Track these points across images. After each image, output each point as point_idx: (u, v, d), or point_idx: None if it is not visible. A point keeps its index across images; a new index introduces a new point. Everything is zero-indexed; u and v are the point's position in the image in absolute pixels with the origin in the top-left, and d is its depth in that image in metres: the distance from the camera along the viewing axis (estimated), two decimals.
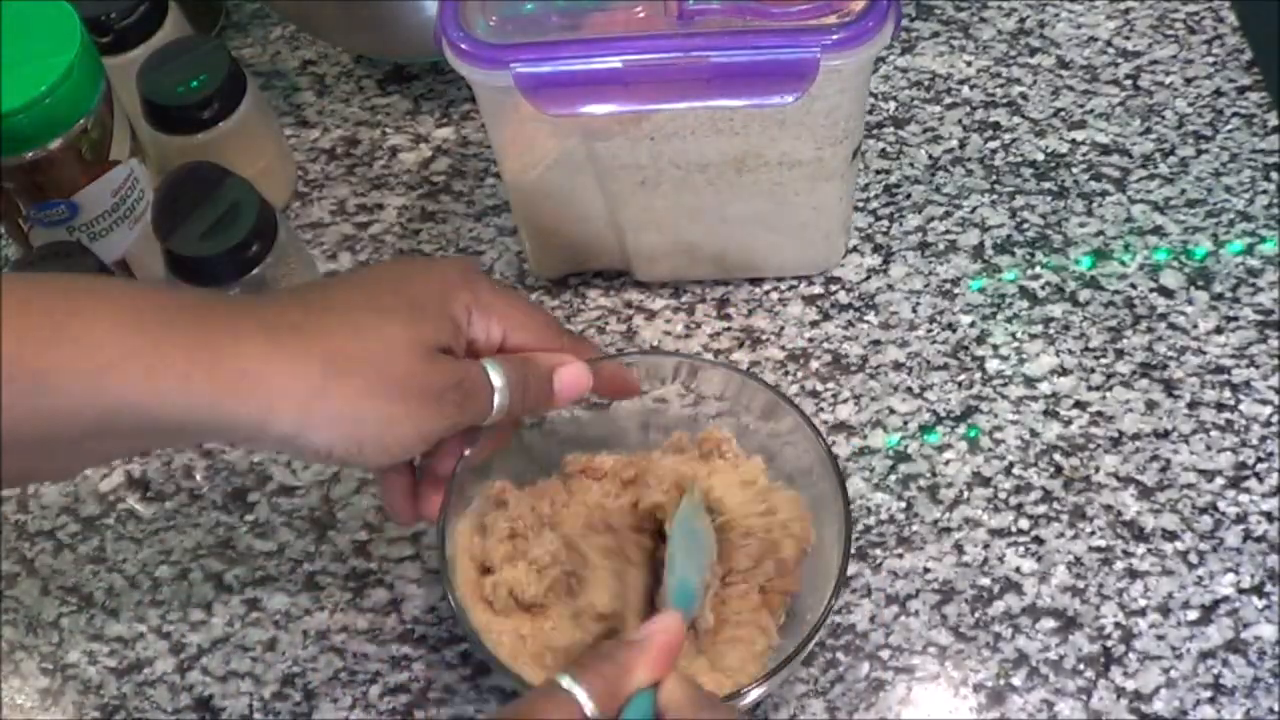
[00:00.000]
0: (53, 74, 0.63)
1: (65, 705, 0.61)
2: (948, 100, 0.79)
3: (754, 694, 0.52)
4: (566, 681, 0.44)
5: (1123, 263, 0.71)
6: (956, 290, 0.71)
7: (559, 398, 0.56)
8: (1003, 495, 0.63)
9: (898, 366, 0.68)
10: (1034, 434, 0.65)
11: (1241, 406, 0.65)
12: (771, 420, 0.61)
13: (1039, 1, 0.83)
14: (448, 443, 0.54)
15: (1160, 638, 0.59)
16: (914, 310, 0.70)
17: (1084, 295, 0.70)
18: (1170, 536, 0.62)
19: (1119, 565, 0.61)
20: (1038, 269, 0.71)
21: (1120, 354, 0.68)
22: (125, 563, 0.66)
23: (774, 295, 0.72)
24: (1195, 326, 0.68)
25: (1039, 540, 0.62)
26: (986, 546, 0.62)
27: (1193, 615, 0.59)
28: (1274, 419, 0.65)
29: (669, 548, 0.55)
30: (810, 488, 0.60)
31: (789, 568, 0.57)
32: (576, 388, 0.56)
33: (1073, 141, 0.76)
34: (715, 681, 0.54)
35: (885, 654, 0.59)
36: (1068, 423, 0.65)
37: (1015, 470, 0.64)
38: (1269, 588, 0.60)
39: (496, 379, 0.52)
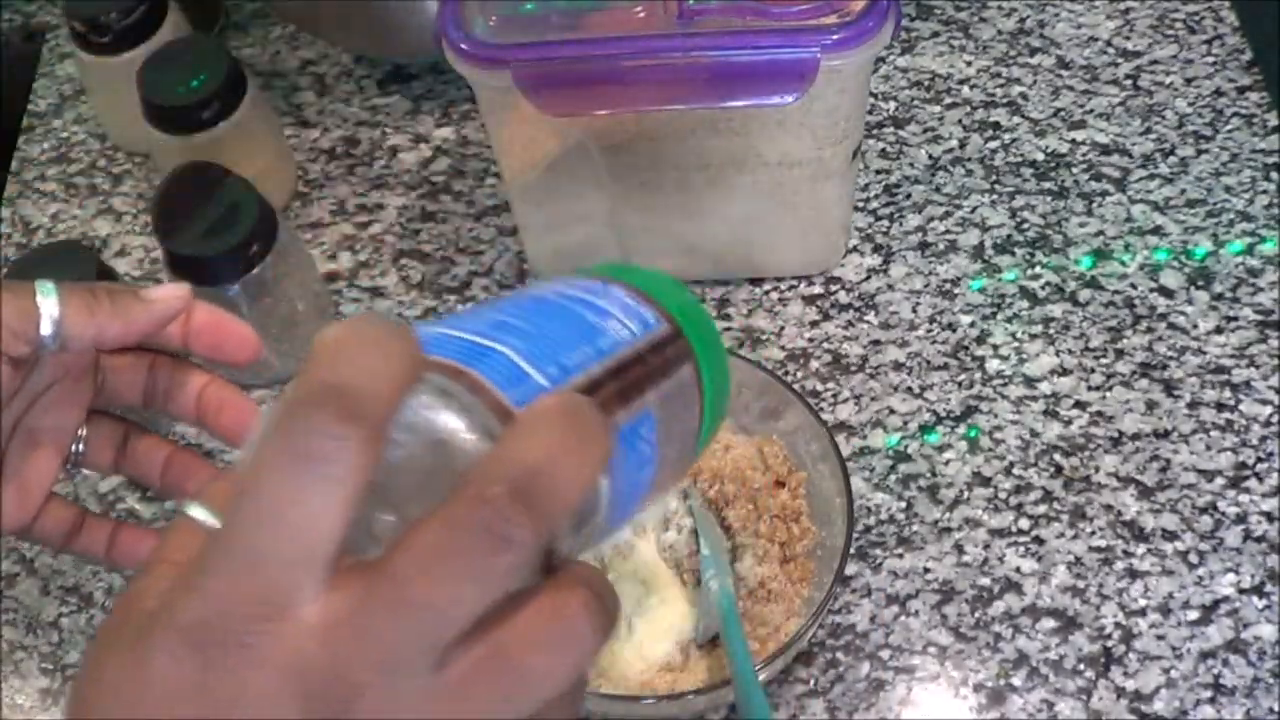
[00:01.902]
0: None
1: (65, 705, 0.61)
2: (948, 100, 0.79)
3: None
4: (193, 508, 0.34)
5: (1123, 263, 0.71)
6: (956, 290, 0.71)
7: (149, 310, 0.48)
8: (1003, 495, 0.63)
9: (898, 366, 0.68)
10: (1034, 434, 0.65)
11: (1241, 406, 0.65)
12: (776, 416, 0.61)
13: (1039, 1, 0.83)
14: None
15: (1160, 638, 0.59)
16: (914, 310, 0.70)
17: (1084, 295, 0.70)
18: (1170, 536, 0.62)
19: (1119, 565, 0.61)
20: (1038, 269, 0.71)
21: (1120, 354, 0.68)
22: None
23: (774, 295, 0.72)
24: (1195, 326, 0.68)
25: (1039, 540, 0.62)
26: (986, 546, 0.62)
27: (1193, 615, 0.59)
28: (1274, 419, 0.65)
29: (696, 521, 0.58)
30: (813, 484, 0.60)
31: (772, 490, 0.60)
32: (171, 297, 0.48)
33: (1073, 141, 0.76)
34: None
35: (885, 654, 0.59)
36: (1068, 423, 0.65)
37: (1015, 470, 0.64)
38: (1269, 588, 0.60)
39: (43, 292, 0.46)
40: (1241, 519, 0.62)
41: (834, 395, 0.67)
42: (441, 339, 0.32)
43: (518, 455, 0.28)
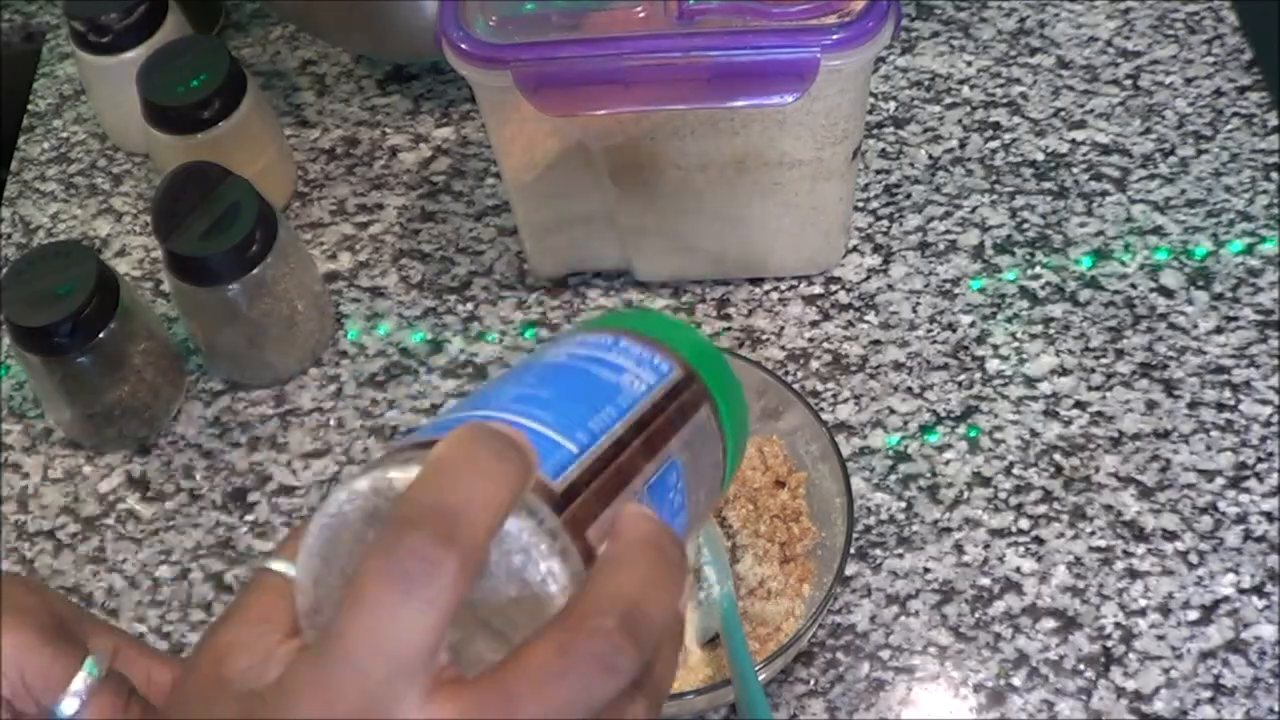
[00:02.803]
0: None
1: None
2: (948, 100, 0.79)
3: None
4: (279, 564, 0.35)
5: (1123, 263, 0.71)
6: (956, 290, 0.71)
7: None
8: (1003, 495, 0.63)
9: (898, 366, 0.68)
10: (1034, 434, 0.65)
11: (1241, 406, 0.65)
12: (776, 416, 0.61)
13: (1039, 1, 0.83)
14: None
15: (1160, 638, 0.59)
16: (914, 310, 0.70)
17: (1084, 295, 0.70)
18: (1170, 536, 0.62)
19: (1119, 565, 0.61)
20: (1038, 269, 0.71)
21: (1120, 354, 0.68)
22: (125, 563, 0.66)
23: (774, 295, 0.72)
24: (1195, 326, 0.68)
25: (1039, 540, 0.62)
26: (986, 546, 0.62)
27: (1193, 615, 0.59)
28: (1274, 419, 0.65)
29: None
30: (813, 484, 0.60)
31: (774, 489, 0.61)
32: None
33: (1073, 141, 0.76)
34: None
35: (885, 654, 0.59)
36: (1068, 423, 0.65)
37: (1015, 470, 0.64)
38: (1269, 588, 0.60)
39: (88, 669, 0.43)
40: (1241, 519, 0.62)
41: (834, 395, 0.67)
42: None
43: (622, 588, 0.31)
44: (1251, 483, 0.63)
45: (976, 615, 0.60)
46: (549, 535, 0.30)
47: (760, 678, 0.54)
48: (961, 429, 0.66)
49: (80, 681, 0.43)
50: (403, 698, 0.28)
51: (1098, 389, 0.67)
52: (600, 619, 0.30)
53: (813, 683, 0.59)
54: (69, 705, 0.42)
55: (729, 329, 0.70)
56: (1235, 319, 0.68)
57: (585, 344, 0.38)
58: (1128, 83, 0.79)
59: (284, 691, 0.29)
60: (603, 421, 0.34)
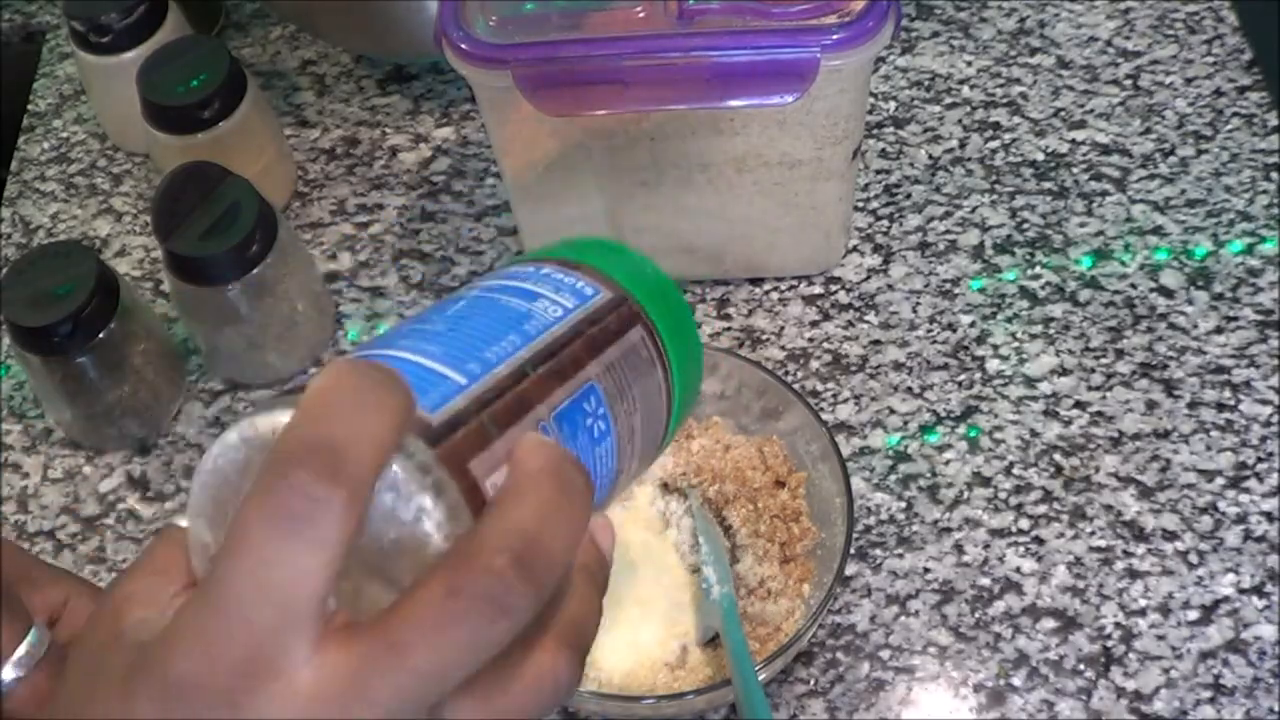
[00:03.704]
0: None
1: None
2: (948, 100, 0.79)
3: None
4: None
5: (1123, 263, 0.71)
6: (956, 290, 0.71)
7: None
8: (1003, 495, 0.63)
9: (898, 366, 0.68)
10: (1034, 434, 0.65)
11: (1241, 406, 0.65)
12: (776, 416, 0.61)
13: (1039, 1, 0.83)
14: None
15: (1160, 638, 0.59)
16: (914, 310, 0.70)
17: (1084, 295, 0.70)
18: (1170, 536, 0.62)
19: (1119, 565, 0.61)
20: (1038, 269, 0.71)
21: (1120, 354, 0.68)
22: (125, 563, 0.66)
23: (774, 295, 0.72)
24: (1195, 326, 0.68)
25: (1039, 540, 0.62)
26: (986, 546, 0.62)
27: (1193, 615, 0.59)
28: (1274, 419, 0.65)
29: (697, 527, 0.59)
30: (813, 484, 0.60)
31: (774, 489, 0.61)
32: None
33: (1073, 141, 0.76)
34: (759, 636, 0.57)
35: (885, 654, 0.59)
36: (1068, 423, 0.65)
37: (1015, 470, 0.64)
38: (1269, 588, 0.60)
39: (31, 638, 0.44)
40: (1241, 519, 0.62)
41: (834, 395, 0.67)
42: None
43: (513, 523, 0.29)
44: (1251, 483, 0.63)
45: (976, 615, 0.60)
46: (420, 470, 0.28)
47: (760, 678, 0.54)
48: (961, 429, 0.66)
49: (24, 649, 0.43)
50: (290, 648, 0.27)
51: (1098, 389, 0.67)
52: (490, 557, 0.28)
53: (813, 683, 0.59)
54: (8, 673, 0.43)
55: (729, 329, 0.70)
56: (1235, 319, 0.68)
57: (505, 275, 0.37)
58: (1128, 83, 0.79)
59: (168, 642, 0.27)
60: (502, 350, 0.33)
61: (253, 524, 0.26)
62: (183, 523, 0.31)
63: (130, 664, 0.28)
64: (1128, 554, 0.61)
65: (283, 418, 0.29)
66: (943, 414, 0.66)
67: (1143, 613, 0.59)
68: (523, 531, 0.28)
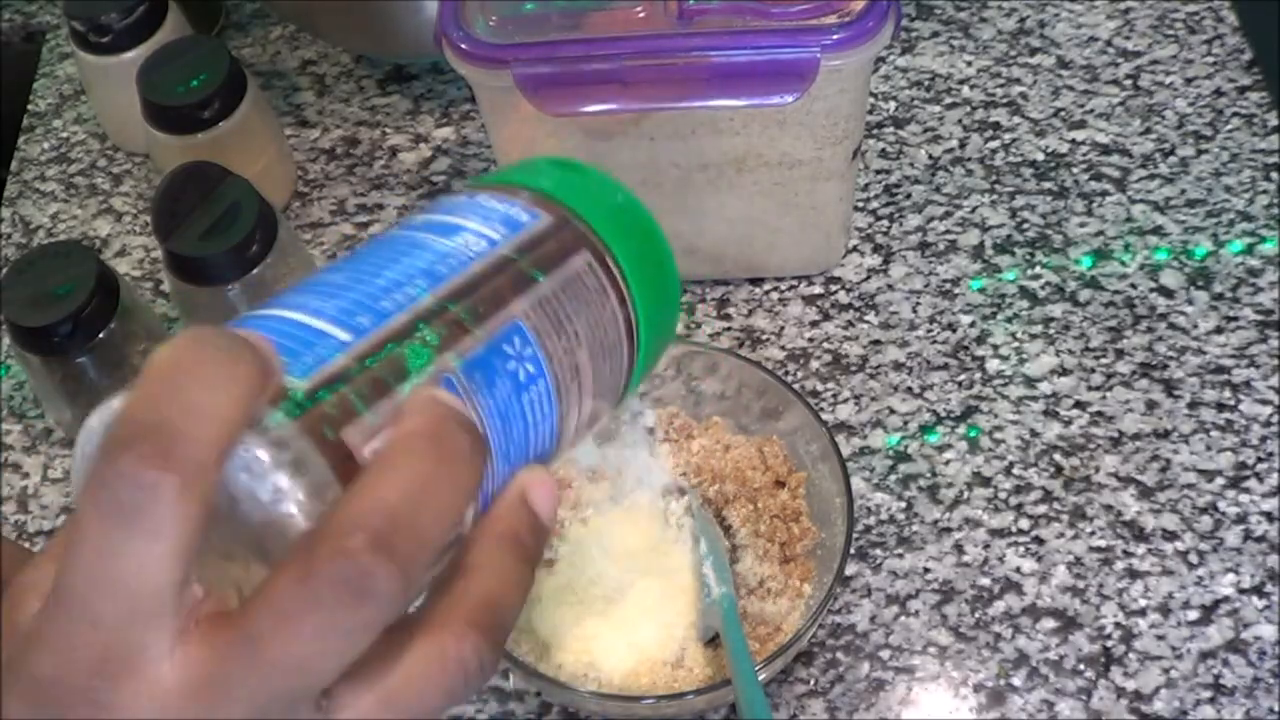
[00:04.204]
0: None
1: None
2: (948, 100, 0.79)
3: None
4: None
5: (1123, 263, 0.71)
6: (956, 290, 0.71)
7: None
8: (1003, 495, 0.63)
9: (898, 366, 0.68)
10: (1034, 434, 0.65)
11: (1241, 406, 0.65)
12: (776, 416, 0.61)
13: (1039, 1, 0.83)
14: None
15: (1160, 638, 0.59)
16: (914, 310, 0.70)
17: (1084, 295, 0.70)
18: (1170, 536, 0.62)
19: (1119, 565, 0.61)
20: (1038, 269, 0.71)
21: (1120, 354, 0.68)
22: None
23: (774, 295, 0.72)
24: (1195, 326, 0.68)
25: (1039, 540, 0.62)
26: (986, 546, 0.62)
27: (1193, 615, 0.59)
28: (1274, 419, 0.65)
29: (698, 528, 0.59)
30: (813, 484, 0.60)
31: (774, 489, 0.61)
32: None
33: (1073, 141, 0.76)
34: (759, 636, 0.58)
35: (885, 654, 0.59)
36: (1068, 423, 0.65)
37: (1015, 470, 0.64)
38: (1269, 588, 0.60)
39: None
40: (1241, 519, 0.62)
41: (834, 395, 0.67)
42: (240, 324, 0.29)
43: (376, 498, 0.26)
44: (1251, 483, 0.63)
45: (976, 615, 0.60)
46: (274, 445, 0.26)
47: (760, 678, 0.54)
48: (961, 429, 0.66)
49: None
50: (146, 643, 0.25)
51: (1098, 389, 0.67)
52: (345, 538, 0.25)
53: (813, 683, 0.59)
54: None
55: (729, 329, 0.70)
56: (1235, 319, 0.68)
57: (433, 209, 0.33)
58: (1128, 83, 0.79)
59: (30, 640, 0.26)
60: (403, 298, 0.29)
61: (87, 516, 0.25)
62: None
63: (10, 657, 0.27)
64: (1128, 554, 0.61)
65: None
66: (943, 414, 0.66)
67: (1143, 613, 0.59)
68: (385, 506, 0.26)
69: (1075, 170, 0.75)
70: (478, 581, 0.29)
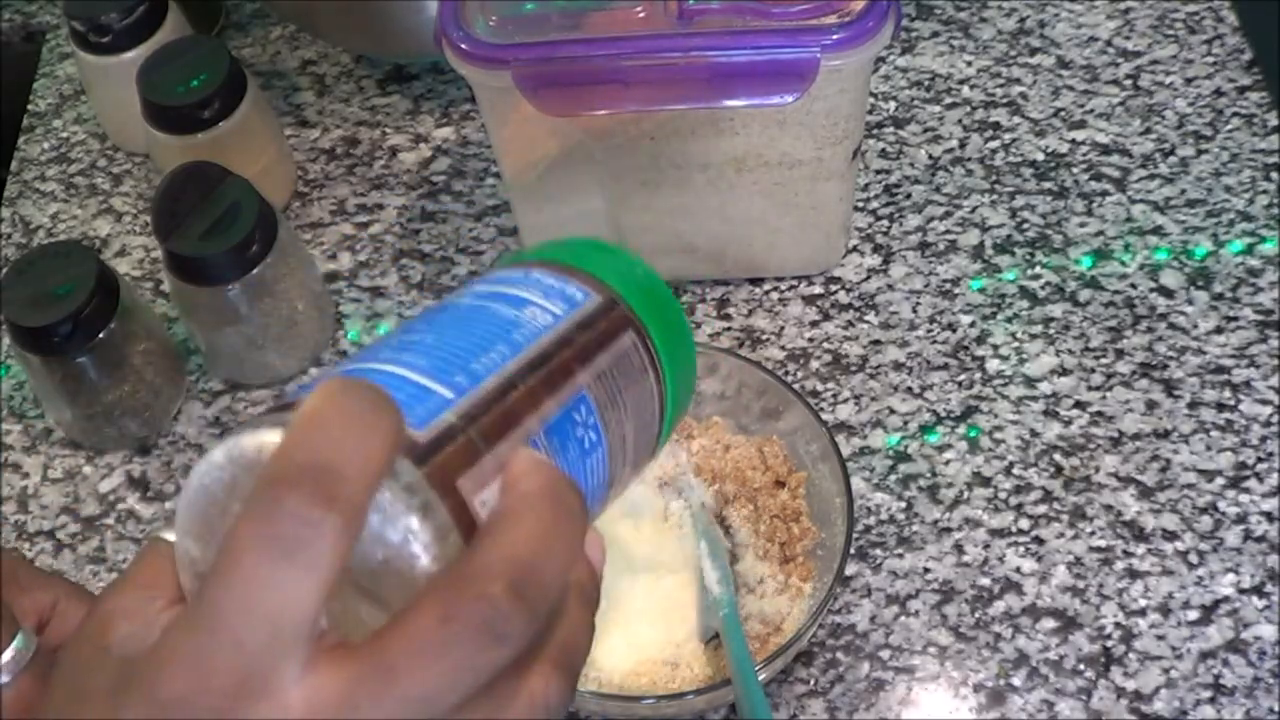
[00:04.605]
0: None
1: None
2: (948, 100, 0.79)
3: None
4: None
5: (1123, 263, 0.71)
6: (956, 290, 0.71)
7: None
8: (1003, 495, 0.63)
9: (898, 366, 0.68)
10: (1034, 434, 0.65)
11: (1241, 406, 0.65)
12: (776, 416, 0.61)
13: (1039, 1, 0.83)
14: None
15: (1160, 638, 0.59)
16: (914, 310, 0.70)
17: (1084, 295, 0.70)
18: (1170, 536, 0.62)
19: (1119, 565, 0.61)
20: (1038, 269, 0.71)
21: (1120, 354, 0.68)
22: (125, 563, 0.66)
23: (774, 295, 0.72)
24: (1195, 326, 0.68)
25: (1039, 540, 0.62)
26: (986, 546, 0.62)
27: (1193, 615, 0.59)
28: (1274, 419, 0.65)
29: (698, 531, 0.59)
30: (813, 484, 0.60)
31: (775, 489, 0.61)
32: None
33: (1073, 141, 0.76)
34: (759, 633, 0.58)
35: (885, 654, 0.59)
36: (1068, 423, 0.65)
37: (1015, 470, 0.64)
38: (1269, 588, 0.60)
39: (19, 642, 0.44)
40: (1241, 519, 0.62)
41: (834, 395, 0.67)
42: (356, 376, 0.31)
43: (510, 548, 0.28)
44: (1251, 483, 0.63)
45: (976, 615, 0.60)
46: (406, 491, 0.28)
47: (760, 678, 0.54)
48: (961, 429, 0.66)
49: (9, 653, 0.43)
50: (281, 669, 0.27)
51: (1098, 389, 0.67)
52: (486, 583, 0.27)
53: (813, 683, 0.59)
54: None
55: (729, 329, 0.70)
56: (1235, 319, 0.68)
57: (493, 280, 0.36)
58: (1128, 83, 0.79)
59: (158, 661, 0.27)
60: (490, 362, 0.32)
61: (245, 546, 0.26)
62: (169, 536, 0.31)
63: (117, 680, 0.28)
64: (1128, 554, 0.61)
65: (269, 437, 0.28)
66: (943, 414, 0.66)
67: (1143, 613, 0.59)
68: (519, 557, 0.28)
69: (1075, 170, 0.75)
70: (561, 626, 0.31)
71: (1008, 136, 0.77)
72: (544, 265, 0.36)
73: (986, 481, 0.64)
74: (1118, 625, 0.59)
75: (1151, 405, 0.66)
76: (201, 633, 0.27)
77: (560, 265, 0.36)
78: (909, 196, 0.75)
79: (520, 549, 0.28)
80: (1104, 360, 0.67)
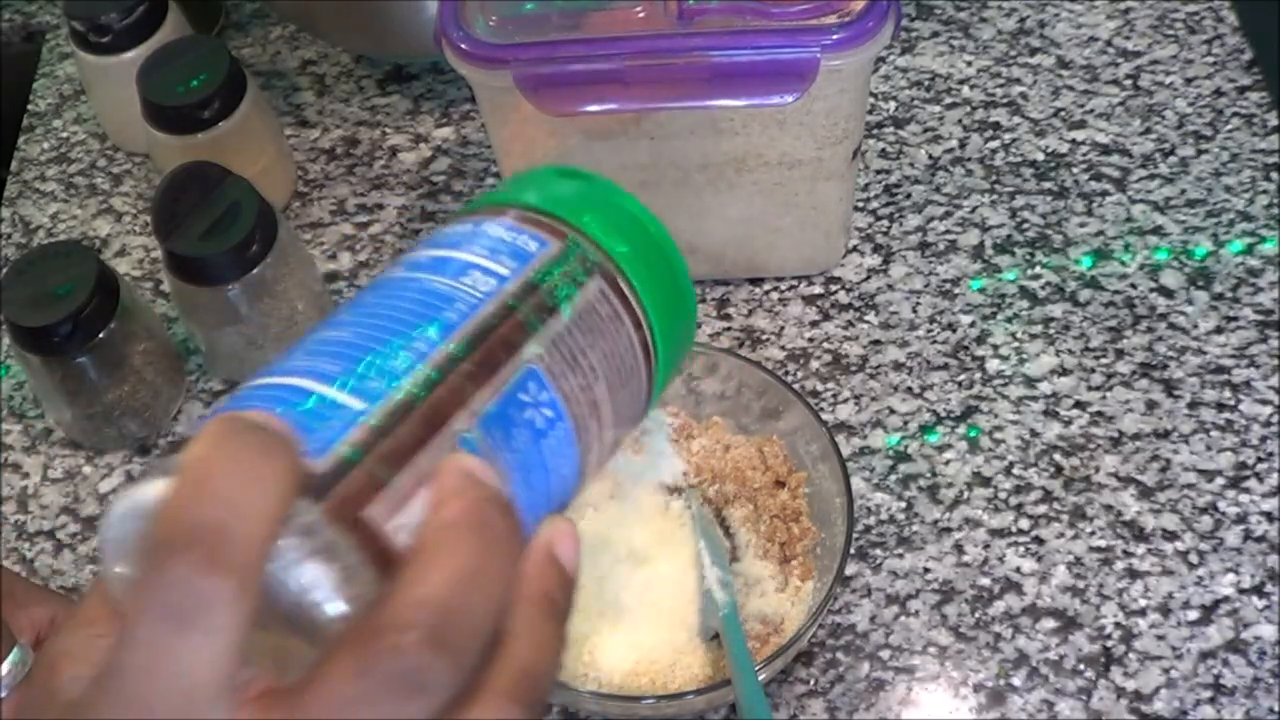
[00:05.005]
0: None
1: None
2: (948, 100, 0.79)
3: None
4: None
5: (1123, 263, 0.71)
6: (956, 290, 0.71)
7: None
8: (1003, 495, 0.63)
9: (898, 366, 0.68)
10: (1034, 434, 0.65)
11: (1241, 406, 0.65)
12: (776, 416, 0.61)
13: (1039, 1, 0.83)
14: None
15: (1160, 638, 0.59)
16: (914, 310, 0.70)
17: (1084, 295, 0.70)
18: (1170, 536, 0.62)
19: (1119, 565, 0.61)
20: (1038, 269, 0.71)
21: (1120, 354, 0.68)
22: None
23: (774, 295, 0.72)
24: (1195, 326, 0.68)
25: (1039, 540, 0.62)
26: (986, 546, 0.62)
27: (1193, 615, 0.59)
28: (1274, 419, 0.65)
29: (698, 528, 0.59)
30: (813, 483, 0.60)
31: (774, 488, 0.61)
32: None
33: (1073, 141, 0.76)
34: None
35: (885, 654, 0.59)
36: (1068, 423, 0.65)
37: (1015, 470, 0.64)
38: (1269, 588, 0.60)
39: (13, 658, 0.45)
40: (1241, 519, 0.62)
41: (834, 395, 0.67)
42: (251, 395, 0.28)
43: (425, 592, 0.26)
44: (1251, 483, 0.63)
45: (976, 615, 0.60)
46: (303, 534, 0.26)
47: (760, 678, 0.54)
48: (961, 429, 0.66)
49: (5, 668, 0.43)
50: None
51: (1098, 389, 0.67)
52: (399, 633, 0.26)
53: (813, 683, 0.59)
54: None
55: (729, 329, 0.70)
56: (1235, 319, 0.68)
57: (433, 243, 0.32)
58: (1128, 83, 0.79)
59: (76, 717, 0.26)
60: (413, 354, 0.28)
61: (143, 618, 0.25)
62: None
63: None
64: (1128, 554, 0.61)
65: (162, 489, 0.26)
66: (943, 414, 0.66)
67: (1143, 613, 0.59)
68: (436, 600, 0.26)
69: (1075, 170, 0.75)
70: (514, 652, 0.29)
71: (1008, 136, 0.77)
72: (497, 212, 0.32)
73: (986, 481, 0.64)
74: (1118, 625, 0.59)
75: (1151, 405, 0.66)
76: (111, 697, 0.26)
77: (517, 209, 0.32)
78: (909, 196, 0.75)
79: (437, 590, 0.26)
80: (1104, 360, 0.67)
